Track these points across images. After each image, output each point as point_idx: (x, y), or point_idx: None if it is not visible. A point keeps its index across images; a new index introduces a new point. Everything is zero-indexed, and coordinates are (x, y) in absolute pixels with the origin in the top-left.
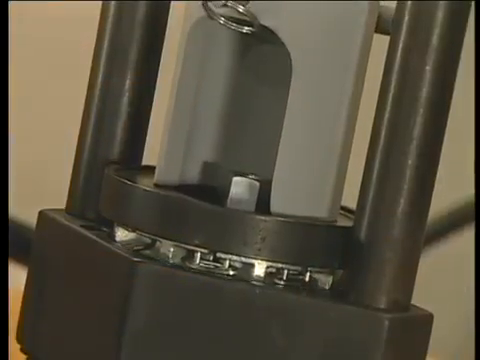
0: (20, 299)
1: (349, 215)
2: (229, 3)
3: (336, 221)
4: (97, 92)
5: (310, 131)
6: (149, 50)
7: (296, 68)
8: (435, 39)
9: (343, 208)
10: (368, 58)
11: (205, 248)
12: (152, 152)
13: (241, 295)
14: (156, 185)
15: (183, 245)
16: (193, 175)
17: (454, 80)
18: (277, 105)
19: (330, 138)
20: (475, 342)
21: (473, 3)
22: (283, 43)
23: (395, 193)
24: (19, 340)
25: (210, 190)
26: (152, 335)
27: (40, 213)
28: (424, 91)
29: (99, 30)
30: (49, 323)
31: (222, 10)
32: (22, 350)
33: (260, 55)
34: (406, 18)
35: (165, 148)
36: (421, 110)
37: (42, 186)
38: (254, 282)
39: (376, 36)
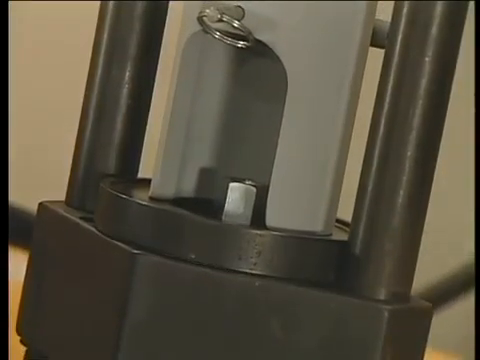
0: (20, 291)
1: (344, 228)
2: (224, 18)
3: (331, 234)
4: (97, 84)
5: (305, 145)
6: (148, 42)
7: (291, 82)
8: (434, 30)
9: (338, 221)
10: (364, 69)
11: (200, 263)
12: (152, 145)
13: (241, 287)
14: (151, 198)
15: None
16: (189, 187)
17: (453, 71)
18: (272, 118)
19: (325, 152)
20: (475, 342)
21: (473, 3)
22: (278, 57)
23: (394, 184)
24: (19, 332)
25: (206, 202)
26: (152, 327)
27: (40, 205)
28: (423, 82)
29: (99, 22)
30: (49, 315)
31: (217, 25)
32: (22, 342)
33: (255, 68)
34: (405, 9)
35: (161, 161)
36: (420, 101)
37: (42, 176)
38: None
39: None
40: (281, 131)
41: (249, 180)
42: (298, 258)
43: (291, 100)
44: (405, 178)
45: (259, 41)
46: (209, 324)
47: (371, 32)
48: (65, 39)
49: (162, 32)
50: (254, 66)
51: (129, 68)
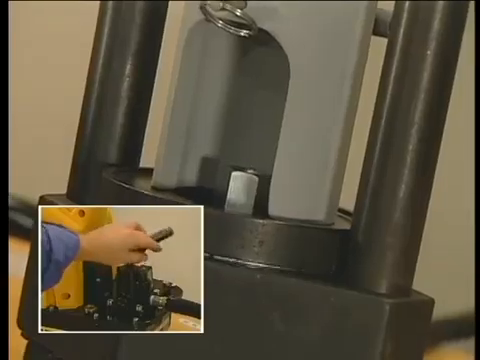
0: (21, 284)
1: (347, 217)
2: (227, 6)
3: (334, 224)
4: (97, 77)
5: (308, 134)
6: (149, 35)
7: (294, 71)
8: (436, 24)
9: (340, 210)
10: (366, 58)
11: (204, 252)
12: (152, 139)
13: (242, 280)
14: (154, 188)
15: None
16: (191, 177)
17: (455, 64)
18: (275, 107)
19: (328, 141)
20: (475, 341)
21: (473, 3)
22: (281, 46)
23: (396, 178)
24: (20, 325)
25: (208, 191)
26: None
27: (40, 198)
28: (425, 75)
29: (100, 15)
30: None
31: (220, 13)
32: (23, 335)
33: (258, 58)
34: (407, 3)
35: (163, 151)
36: (422, 95)
37: (44, 169)
38: (254, 267)
39: None
40: (284, 120)
41: (251, 169)
42: (301, 247)
43: (294, 89)
44: (407, 171)
45: (262, 30)
46: (209, 317)
47: (373, 22)
48: (65, 32)
49: (163, 25)
50: (257, 55)
51: (130, 61)
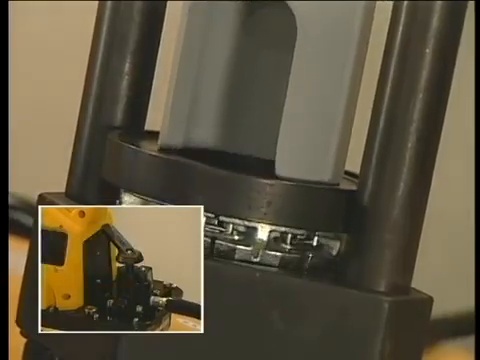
0: (20, 282)
1: (352, 179)
2: None
3: (339, 184)
4: (96, 75)
5: (314, 95)
6: (148, 34)
7: (301, 32)
8: (435, 21)
9: (346, 173)
10: (372, 22)
11: (210, 212)
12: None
13: (241, 279)
14: (160, 149)
15: None
16: (197, 138)
17: (454, 63)
18: (281, 69)
19: (334, 102)
20: (475, 341)
21: (473, 3)
22: (288, 8)
23: (395, 176)
24: (19, 323)
25: (215, 154)
26: None
27: (39, 196)
28: (424, 74)
29: (98, 14)
30: None
31: None
32: (22, 333)
33: (264, 19)
34: (406, 1)
35: (169, 111)
36: (421, 93)
37: (44, 168)
38: (255, 266)
39: (378, 10)
40: (290, 80)
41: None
42: (308, 207)
43: (300, 50)
44: (405, 170)
45: None
46: (209, 315)
47: None
48: (64, 31)
49: (162, 23)
50: (262, 17)
51: (129, 59)
